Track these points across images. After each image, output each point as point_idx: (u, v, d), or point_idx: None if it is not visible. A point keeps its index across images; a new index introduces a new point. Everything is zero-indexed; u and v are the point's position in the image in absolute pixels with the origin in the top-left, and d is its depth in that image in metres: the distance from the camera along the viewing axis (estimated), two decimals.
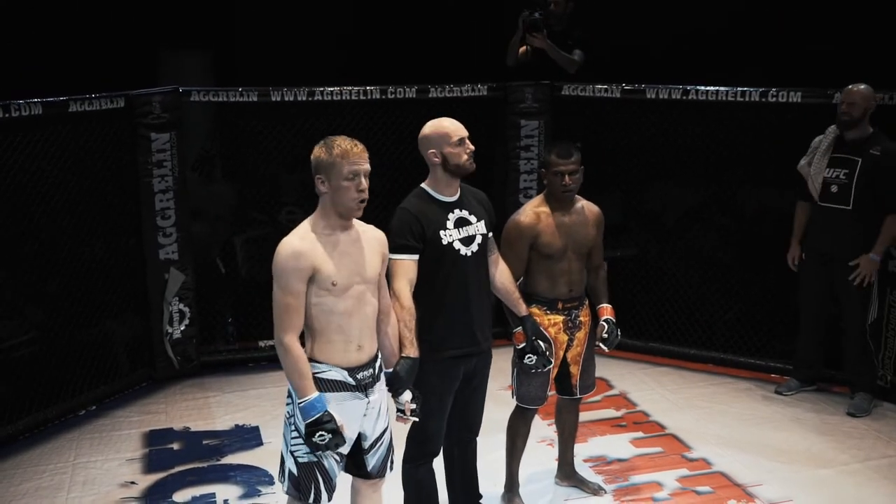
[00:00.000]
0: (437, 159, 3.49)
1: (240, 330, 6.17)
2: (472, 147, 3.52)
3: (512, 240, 3.90)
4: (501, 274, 3.73)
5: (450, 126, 3.52)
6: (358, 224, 3.21)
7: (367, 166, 3.10)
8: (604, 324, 4.01)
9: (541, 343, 3.78)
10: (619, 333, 4.04)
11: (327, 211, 3.11)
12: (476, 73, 6.10)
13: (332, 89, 5.69)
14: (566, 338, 3.98)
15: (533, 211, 3.94)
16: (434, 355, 3.50)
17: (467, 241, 3.55)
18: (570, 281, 3.97)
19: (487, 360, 3.73)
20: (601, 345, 4.02)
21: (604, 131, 5.99)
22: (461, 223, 3.55)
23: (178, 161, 5.54)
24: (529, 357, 3.76)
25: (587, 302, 4.09)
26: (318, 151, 3.10)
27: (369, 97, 5.78)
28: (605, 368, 5.70)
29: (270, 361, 5.93)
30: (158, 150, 5.47)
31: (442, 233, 3.50)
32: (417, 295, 3.46)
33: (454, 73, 6.06)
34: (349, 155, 3.05)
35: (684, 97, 5.61)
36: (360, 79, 6.11)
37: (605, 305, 4.06)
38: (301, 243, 3.06)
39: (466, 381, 3.65)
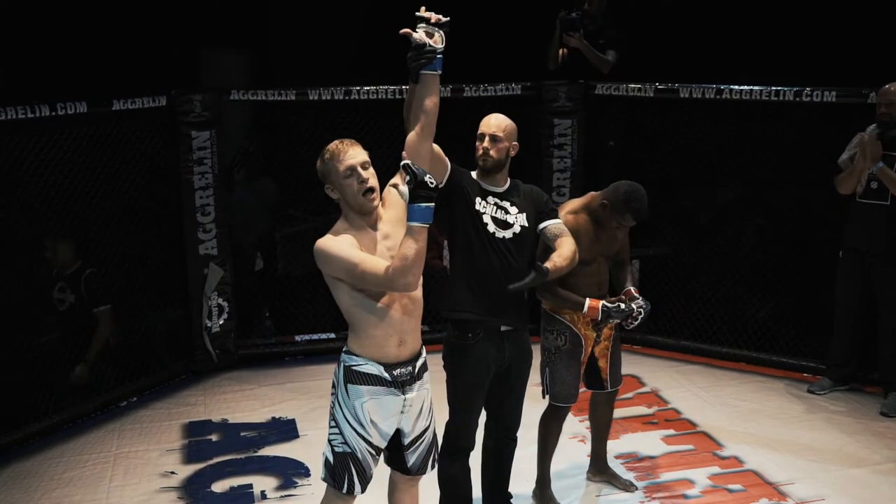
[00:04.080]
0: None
1: (277, 324, 6.27)
2: (487, 145, 3.58)
3: None
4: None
5: (483, 121, 3.64)
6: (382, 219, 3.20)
7: (361, 157, 3.08)
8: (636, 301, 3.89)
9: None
10: (647, 305, 3.90)
11: (349, 216, 3.13)
12: (510, 72, 6.11)
13: (368, 88, 5.73)
14: (594, 334, 4.00)
15: (573, 216, 3.92)
16: (459, 335, 3.56)
17: (501, 223, 3.58)
18: (600, 281, 4.00)
19: (524, 356, 3.70)
20: (640, 312, 3.87)
21: (637, 130, 6.01)
22: (498, 208, 3.61)
23: (217, 158, 5.64)
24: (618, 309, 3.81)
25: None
26: (318, 164, 3.13)
27: (405, 96, 5.78)
28: (637, 366, 5.73)
29: (307, 356, 6.04)
30: (199, 148, 5.57)
31: (477, 199, 3.58)
32: (450, 258, 3.64)
33: (488, 73, 6.08)
34: (339, 154, 3.07)
35: (718, 96, 5.61)
36: (394, 78, 6.15)
37: (629, 288, 4.01)
38: (340, 235, 3.08)
39: (501, 379, 3.65)
